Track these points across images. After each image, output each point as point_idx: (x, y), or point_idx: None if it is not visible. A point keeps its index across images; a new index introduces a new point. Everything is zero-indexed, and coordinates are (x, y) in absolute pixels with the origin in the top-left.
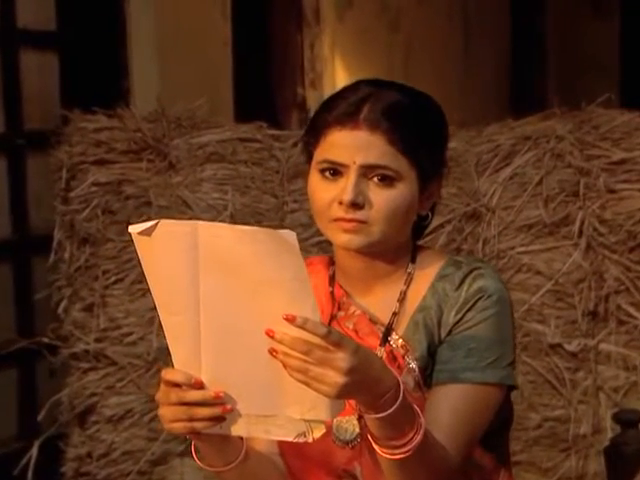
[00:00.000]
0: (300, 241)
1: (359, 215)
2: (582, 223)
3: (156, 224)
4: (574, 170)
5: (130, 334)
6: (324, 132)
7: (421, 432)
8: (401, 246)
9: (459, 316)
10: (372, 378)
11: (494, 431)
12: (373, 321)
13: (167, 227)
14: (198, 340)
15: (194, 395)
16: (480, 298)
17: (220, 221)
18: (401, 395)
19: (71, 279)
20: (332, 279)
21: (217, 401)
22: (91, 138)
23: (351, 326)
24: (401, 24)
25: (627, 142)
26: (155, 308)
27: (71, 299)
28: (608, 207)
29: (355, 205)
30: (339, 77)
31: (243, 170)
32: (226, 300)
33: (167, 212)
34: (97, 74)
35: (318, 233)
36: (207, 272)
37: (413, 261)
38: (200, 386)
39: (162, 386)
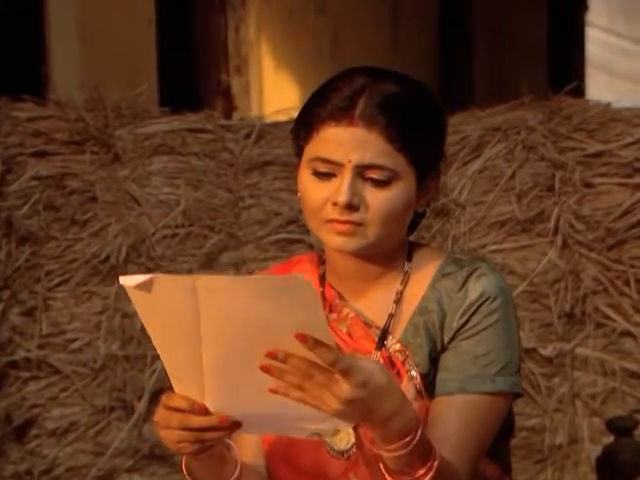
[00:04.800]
0: (257, 239)
1: (354, 217)
2: (558, 219)
3: (152, 279)
4: (548, 163)
5: (75, 340)
6: (317, 127)
7: (434, 469)
8: (397, 245)
9: (463, 319)
10: (381, 414)
11: (498, 439)
12: (368, 324)
13: (163, 282)
14: (200, 372)
15: (198, 421)
16: (485, 301)
17: (172, 218)
18: (419, 434)
19: (9, 280)
20: (322, 279)
21: (222, 425)
22: (27, 128)
23: (344, 329)
24: (327, 6)
25: (603, 133)
26: (102, 312)
27: (9, 302)
28: (585, 202)
29: (350, 207)
30: (265, 62)
31: (195, 163)
32: (230, 337)
33: (114, 208)
34: (14, 58)
35: (276, 230)
36: (208, 321)
37: (409, 260)
38: (204, 412)
39: (162, 410)
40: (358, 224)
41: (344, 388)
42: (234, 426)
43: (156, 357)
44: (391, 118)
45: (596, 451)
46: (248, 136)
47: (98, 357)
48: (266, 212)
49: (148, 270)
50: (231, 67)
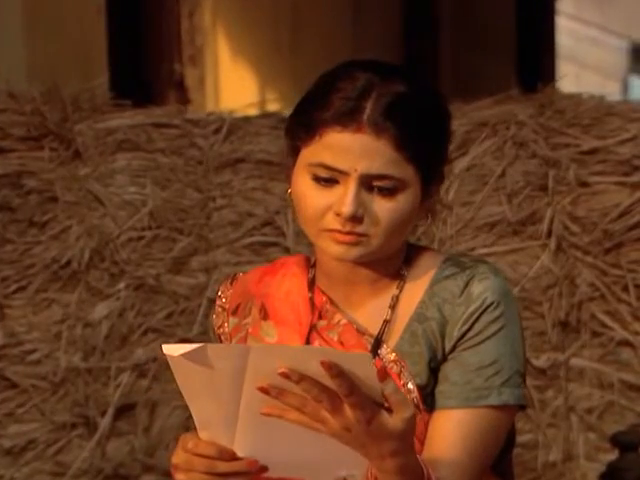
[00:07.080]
0: (229, 242)
1: (358, 229)
2: (551, 221)
3: (202, 349)
4: (540, 161)
5: (33, 351)
6: (320, 131)
7: None
8: (396, 250)
9: (465, 328)
10: (378, 450)
11: (501, 451)
12: (361, 331)
13: (213, 351)
14: (234, 421)
15: (225, 467)
16: (488, 307)
17: (138, 220)
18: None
19: None
20: (311, 283)
21: (250, 470)
22: None
23: (335, 337)
24: None
25: (598, 129)
26: (62, 321)
27: None
28: (580, 203)
29: (354, 219)
30: (222, 51)
31: (161, 160)
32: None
33: (75, 209)
34: None
35: (250, 233)
36: (254, 380)
37: (407, 262)
38: (232, 458)
39: (182, 453)
40: (362, 235)
41: (347, 416)
42: (260, 470)
43: (121, 369)
44: (401, 125)
45: (592, 469)
46: (217, 131)
47: (58, 370)
48: (239, 213)
49: (111, 275)
50: (185, 57)
